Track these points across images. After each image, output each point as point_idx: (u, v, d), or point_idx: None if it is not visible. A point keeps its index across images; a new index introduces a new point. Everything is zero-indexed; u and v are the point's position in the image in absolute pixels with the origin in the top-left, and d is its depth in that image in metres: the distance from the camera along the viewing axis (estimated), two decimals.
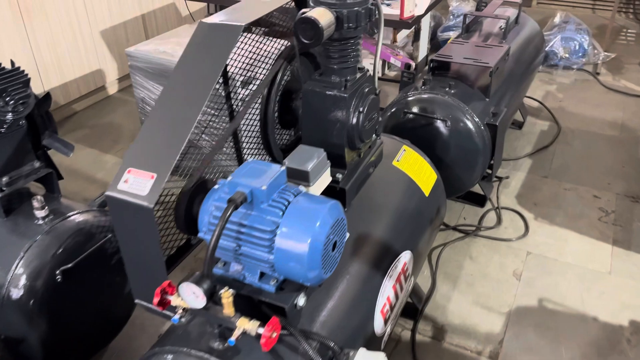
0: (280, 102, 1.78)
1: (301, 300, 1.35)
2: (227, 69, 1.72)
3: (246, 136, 1.87)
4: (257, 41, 1.83)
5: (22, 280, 1.69)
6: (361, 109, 1.67)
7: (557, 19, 4.85)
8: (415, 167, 2.07)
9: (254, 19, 1.53)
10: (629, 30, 5.47)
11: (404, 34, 3.41)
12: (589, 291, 2.45)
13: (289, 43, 1.78)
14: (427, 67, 2.81)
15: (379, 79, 3.45)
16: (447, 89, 2.57)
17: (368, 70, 1.75)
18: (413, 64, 3.21)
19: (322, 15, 1.47)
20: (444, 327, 2.28)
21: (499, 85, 2.81)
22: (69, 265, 1.71)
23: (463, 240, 2.76)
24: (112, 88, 4.36)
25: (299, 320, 1.38)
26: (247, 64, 1.80)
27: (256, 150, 1.90)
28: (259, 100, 1.73)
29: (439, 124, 2.52)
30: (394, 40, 3.33)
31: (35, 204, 1.75)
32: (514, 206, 3.00)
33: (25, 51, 3.59)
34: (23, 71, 1.70)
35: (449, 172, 2.59)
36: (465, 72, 2.70)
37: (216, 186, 1.38)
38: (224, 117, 1.79)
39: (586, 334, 2.24)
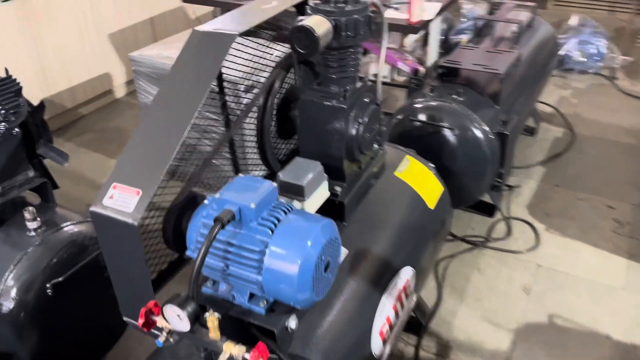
0: (280, 111, 1.72)
1: (292, 323, 1.29)
2: (231, 75, 1.67)
3: (244, 146, 1.82)
4: (263, 45, 1.78)
5: (12, 293, 1.65)
6: (361, 120, 1.61)
7: (572, 22, 4.73)
8: (419, 178, 2.00)
9: (249, 27, 1.48)
10: None
11: (412, 39, 3.34)
12: (601, 307, 2.35)
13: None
14: (436, 73, 2.73)
15: (388, 84, 3.39)
16: (455, 96, 2.50)
17: (369, 80, 1.68)
18: (422, 69, 3.14)
19: (319, 24, 1.41)
20: (449, 344, 2.20)
21: (510, 92, 2.72)
22: (60, 279, 1.67)
23: (471, 252, 2.67)
24: (120, 92, 4.35)
25: (291, 343, 1.32)
26: (252, 67, 1.75)
27: (254, 161, 1.85)
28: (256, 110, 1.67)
29: (447, 133, 2.45)
30: (402, 45, 3.26)
31: (27, 215, 1.71)
32: (525, 216, 2.90)
33: (31, 55, 3.58)
34: (15, 80, 1.67)
35: (457, 182, 2.51)
36: (474, 78, 2.61)
37: (206, 201, 1.33)
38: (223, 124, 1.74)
39: (598, 353, 2.15)
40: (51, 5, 3.62)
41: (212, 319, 1.16)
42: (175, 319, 1.17)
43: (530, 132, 3.63)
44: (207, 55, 1.40)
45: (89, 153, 3.68)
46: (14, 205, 1.83)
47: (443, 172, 2.39)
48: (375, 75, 3.30)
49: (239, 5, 1.70)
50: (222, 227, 1.17)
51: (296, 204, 1.45)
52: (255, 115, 1.66)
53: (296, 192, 1.46)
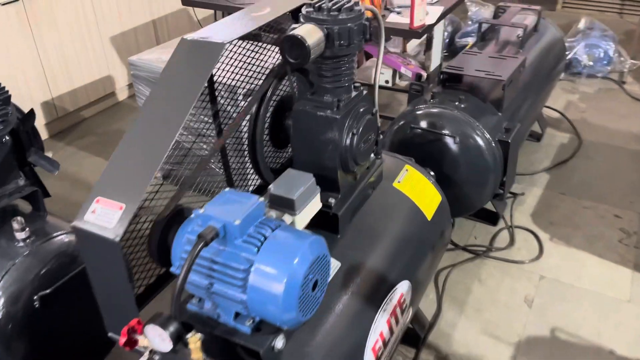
0: (274, 120, 1.68)
1: (279, 343, 1.25)
2: (230, 79, 1.64)
3: (235, 156, 1.78)
4: (263, 48, 1.74)
5: (0, 305, 1.62)
6: (355, 131, 1.57)
7: (581, 25, 4.64)
8: (417, 188, 1.95)
9: (240, 35, 1.44)
10: None
11: (414, 44, 3.28)
12: (605, 321, 2.29)
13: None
14: (437, 79, 2.68)
15: (390, 89, 3.34)
16: (456, 103, 2.44)
17: (364, 89, 1.64)
18: (424, 74, 3.08)
19: (310, 33, 1.37)
20: (448, 357, 2.15)
21: (513, 99, 2.67)
22: (47, 291, 1.64)
23: (473, 262, 2.62)
24: (122, 94, 4.33)
25: None
26: (254, 71, 1.72)
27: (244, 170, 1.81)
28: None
29: (448, 140, 2.40)
30: (404, 50, 3.21)
31: (15, 225, 1.68)
32: (529, 225, 2.84)
33: (33, 57, 3.57)
34: (4, 88, 1.64)
35: (458, 191, 2.46)
36: (477, 85, 2.56)
37: (192, 215, 1.29)
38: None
39: None
40: (53, 8, 3.60)
41: (194, 339, 1.12)
42: (157, 338, 1.14)
43: (537, 138, 3.57)
44: (195, 65, 1.37)
45: (90, 157, 3.66)
46: (4, 214, 1.81)
47: (444, 181, 2.34)
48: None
49: (239, 8, 1.67)
50: (205, 245, 1.14)
51: (287, 218, 1.42)
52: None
53: (287, 205, 1.41)
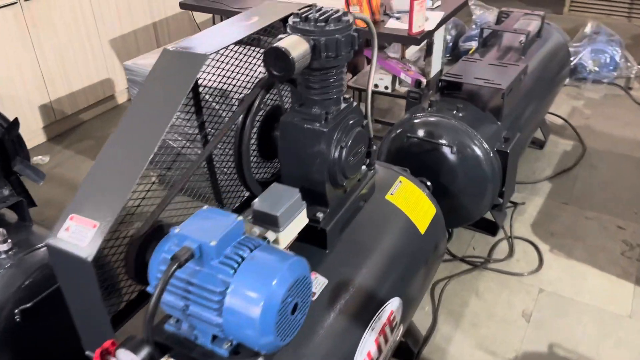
0: (262, 130, 1.64)
1: None
2: (226, 85, 1.59)
3: (223, 167, 1.74)
4: (258, 52, 1.69)
5: None
6: (344, 144, 1.52)
7: (587, 30, 4.57)
8: (411, 200, 1.90)
9: (224, 45, 1.40)
10: None
11: (413, 49, 3.23)
12: (605, 337, 2.23)
13: None
14: (436, 86, 2.63)
15: (389, 95, 3.28)
16: (454, 112, 2.39)
17: (354, 101, 1.59)
18: (424, 81, 3.03)
19: (295, 45, 1.33)
20: None
21: (514, 107, 2.61)
22: (28, 305, 1.61)
23: (470, 274, 2.57)
24: (122, 97, 4.30)
25: None
26: (251, 75, 1.67)
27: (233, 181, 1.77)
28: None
29: (445, 150, 2.34)
30: (403, 56, 3.16)
31: None
32: (529, 235, 2.78)
33: (31, 60, 3.55)
34: None
35: (456, 201, 2.41)
36: (476, 93, 2.51)
37: (170, 233, 1.25)
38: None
39: None
40: (51, 10, 3.58)
41: None
42: None
43: (540, 145, 3.50)
44: (176, 77, 1.33)
45: (88, 160, 3.64)
46: None
47: (441, 191, 2.29)
48: (376, 86, 3.21)
49: (236, 12, 1.62)
50: (179, 267, 1.09)
51: (270, 235, 1.38)
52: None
53: (270, 222, 1.37)
